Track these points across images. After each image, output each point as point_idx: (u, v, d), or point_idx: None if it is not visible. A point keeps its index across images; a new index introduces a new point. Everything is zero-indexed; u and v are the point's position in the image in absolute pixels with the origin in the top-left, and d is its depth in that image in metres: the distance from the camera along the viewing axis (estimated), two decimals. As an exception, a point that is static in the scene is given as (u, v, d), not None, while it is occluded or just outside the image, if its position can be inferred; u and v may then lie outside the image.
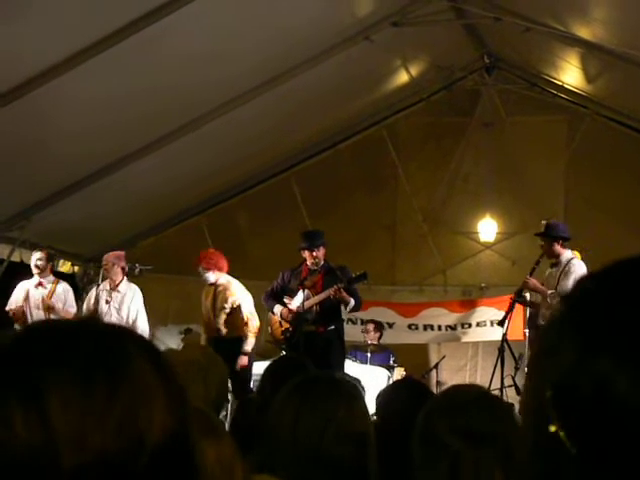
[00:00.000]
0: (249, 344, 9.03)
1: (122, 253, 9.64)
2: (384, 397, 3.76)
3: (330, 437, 2.27)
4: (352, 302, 8.38)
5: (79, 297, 11.19)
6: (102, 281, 9.40)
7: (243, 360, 8.87)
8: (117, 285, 9.35)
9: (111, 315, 9.18)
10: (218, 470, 1.67)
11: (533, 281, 8.34)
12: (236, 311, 9.10)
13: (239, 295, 9.13)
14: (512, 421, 2.28)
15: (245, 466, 1.74)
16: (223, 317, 9.12)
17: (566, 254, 8.30)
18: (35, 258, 9.42)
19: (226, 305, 9.08)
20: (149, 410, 0.93)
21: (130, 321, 9.18)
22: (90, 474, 0.88)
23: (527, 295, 8.86)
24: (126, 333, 1.01)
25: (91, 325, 1.02)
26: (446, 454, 2.10)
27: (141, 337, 1.03)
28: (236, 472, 1.71)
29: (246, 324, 9.04)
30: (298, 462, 1.80)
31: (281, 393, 2.46)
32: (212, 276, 9.11)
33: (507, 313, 8.76)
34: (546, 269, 8.59)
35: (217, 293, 9.18)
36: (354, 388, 2.52)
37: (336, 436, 2.28)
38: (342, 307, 8.52)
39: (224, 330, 9.12)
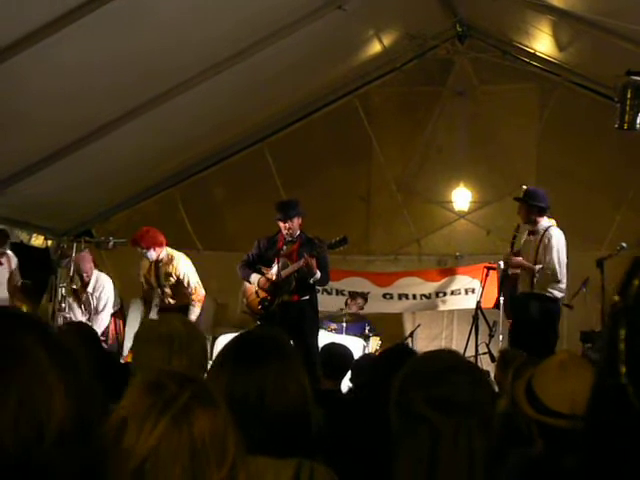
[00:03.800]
0: (194, 313, 9.14)
1: (86, 254, 10.01)
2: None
3: (268, 396, 2.32)
4: (318, 274, 8.28)
5: (53, 272, 11.20)
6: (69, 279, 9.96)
7: None
8: (88, 281, 9.85)
9: (87, 311, 9.85)
10: (209, 440, 1.67)
11: (516, 259, 8.34)
12: (180, 282, 9.22)
13: (183, 269, 9.24)
14: (488, 388, 2.29)
15: (239, 439, 1.74)
16: (168, 290, 9.27)
17: (543, 222, 8.28)
18: None
19: (171, 278, 9.24)
20: (47, 400, 0.88)
21: (99, 309, 9.81)
22: None
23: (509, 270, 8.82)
24: (17, 319, 0.95)
25: None
26: (424, 424, 2.12)
27: (33, 321, 0.96)
28: (228, 444, 1.71)
29: (192, 293, 9.18)
30: (239, 423, 1.82)
31: (216, 358, 2.51)
32: (153, 254, 9.22)
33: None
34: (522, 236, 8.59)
35: (159, 267, 9.30)
36: (286, 345, 2.56)
37: (273, 395, 2.33)
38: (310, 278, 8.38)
39: (172, 301, 9.29)
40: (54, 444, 0.87)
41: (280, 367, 2.42)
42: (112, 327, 9.96)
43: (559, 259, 8.06)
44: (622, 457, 0.83)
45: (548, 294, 8.05)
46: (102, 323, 9.73)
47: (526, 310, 8.14)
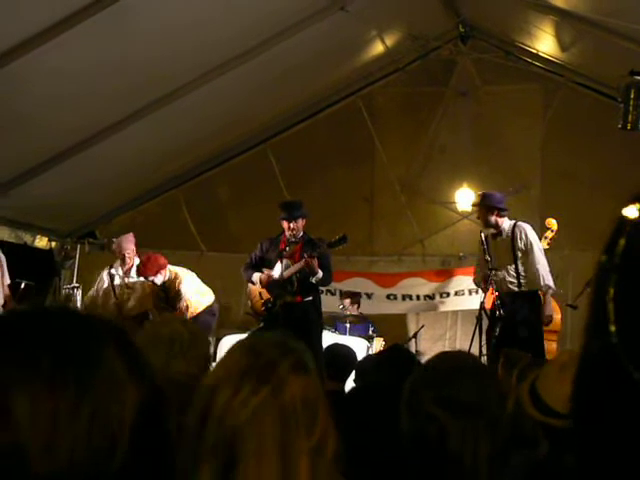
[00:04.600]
0: None
1: (130, 236, 9.60)
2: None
3: None
4: (320, 274, 8.24)
5: (56, 273, 11.18)
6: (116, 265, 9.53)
7: None
8: (130, 268, 9.43)
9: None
10: (300, 407, 1.68)
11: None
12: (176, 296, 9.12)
13: (185, 288, 9.11)
14: (497, 389, 2.30)
15: (328, 409, 1.75)
16: (178, 304, 9.11)
17: (506, 222, 8.46)
18: None
19: (179, 295, 9.12)
20: (120, 409, 0.89)
21: None
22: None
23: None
24: (96, 327, 0.96)
25: (59, 317, 0.96)
26: (432, 425, 2.12)
27: (110, 326, 0.98)
28: (320, 411, 1.71)
29: (181, 312, 8.99)
30: None
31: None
32: (160, 277, 9.09)
33: None
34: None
35: (166, 288, 9.17)
36: (299, 347, 2.55)
37: None
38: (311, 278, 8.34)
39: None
40: (126, 453, 0.87)
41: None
42: None
43: (541, 250, 8.30)
44: (616, 431, 0.82)
45: (537, 289, 8.24)
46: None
47: (520, 310, 8.25)
